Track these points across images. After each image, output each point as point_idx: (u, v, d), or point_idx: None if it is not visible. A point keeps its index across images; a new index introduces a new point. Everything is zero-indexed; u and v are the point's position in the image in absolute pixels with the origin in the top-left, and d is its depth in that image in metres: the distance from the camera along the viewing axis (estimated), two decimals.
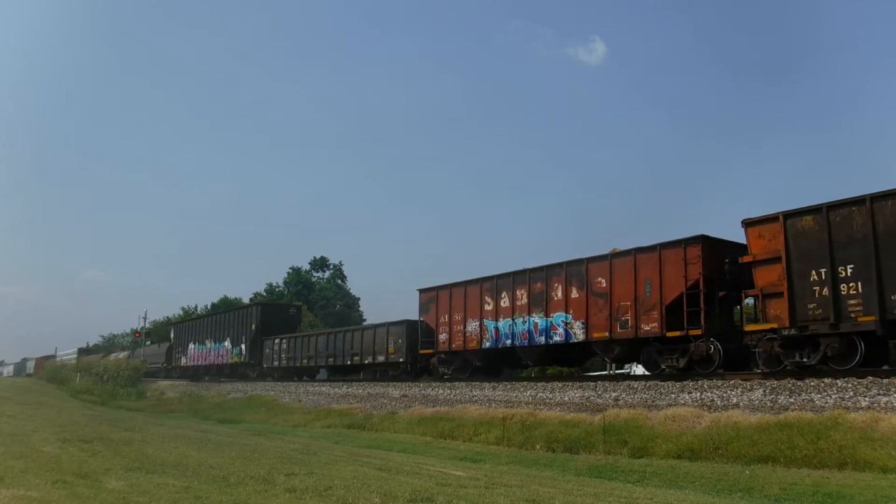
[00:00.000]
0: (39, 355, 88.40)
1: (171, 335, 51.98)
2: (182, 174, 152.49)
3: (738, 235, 15.75)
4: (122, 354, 59.82)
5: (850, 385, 12.43)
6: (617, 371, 22.89)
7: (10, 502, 5.76)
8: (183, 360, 47.28)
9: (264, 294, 65.50)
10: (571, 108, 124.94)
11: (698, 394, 14.32)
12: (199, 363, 44.67)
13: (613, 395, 15.97)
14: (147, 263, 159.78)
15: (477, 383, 21.12)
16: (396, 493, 7.03)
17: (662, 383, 15.69)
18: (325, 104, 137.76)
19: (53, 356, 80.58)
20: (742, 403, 13.25)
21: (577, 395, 16.82)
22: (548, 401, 17.07)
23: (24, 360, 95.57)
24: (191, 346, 46.21)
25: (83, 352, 73.16)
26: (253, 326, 37.26)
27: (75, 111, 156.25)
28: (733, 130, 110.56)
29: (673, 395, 14.72)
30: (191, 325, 48.98)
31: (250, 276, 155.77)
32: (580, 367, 23.46)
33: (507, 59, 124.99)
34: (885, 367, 13.51)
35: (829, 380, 12.95)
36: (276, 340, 35.03)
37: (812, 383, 13.02)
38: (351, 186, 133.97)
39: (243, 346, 38.25)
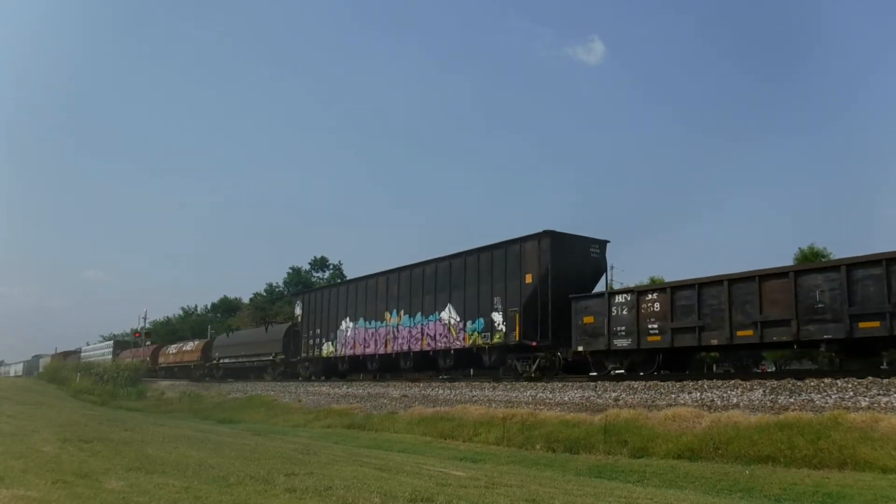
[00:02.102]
0: (57, 350, 76.55)
1: (297, 311, 33.52)
2: (183, 174, 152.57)
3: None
4: (192, 344, 47.30)
5: (850, 385, 12.43)
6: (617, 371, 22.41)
7: (10, 502, 5.75)
8: (327, 349, 29.90)
9: (264, 294, 65.36)
10: (571, 108, 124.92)
11: (698, 394, 14.32)
12: (369, 351, 27.07)
13: (613, 395, 15.96)
14: (147, 263, 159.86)
15: (477, 383, 21.12)
16: (396, 493, 7.03)
17: (662, 383, 15.68)
18: (325, 104, 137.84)
19: (76, 351, 70.64)
20: (742, 403, 13.24)
21: (577, 395, 16.82)
22: (548, 401, 17.07)
23: (37, 358, 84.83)
24: (345, 324, 28.83)
25: (120, 345, 60.34)
26: (528, 277, 20.07)
27: (76, 109, 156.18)
28: (734, 128, 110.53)
29: (673, 395, 14.72)
30: (343, 290, 30.15)
31: (250, 276, 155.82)
32: None
33: (507, 59, 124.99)
34: (885, 367, 13.49)
35: (829, 380, 12.96)
36: (622, 297, 17.71)
37: (812, 383, 13.02)
38: (351, 186, 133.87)
39: (498, 316, 21.06)
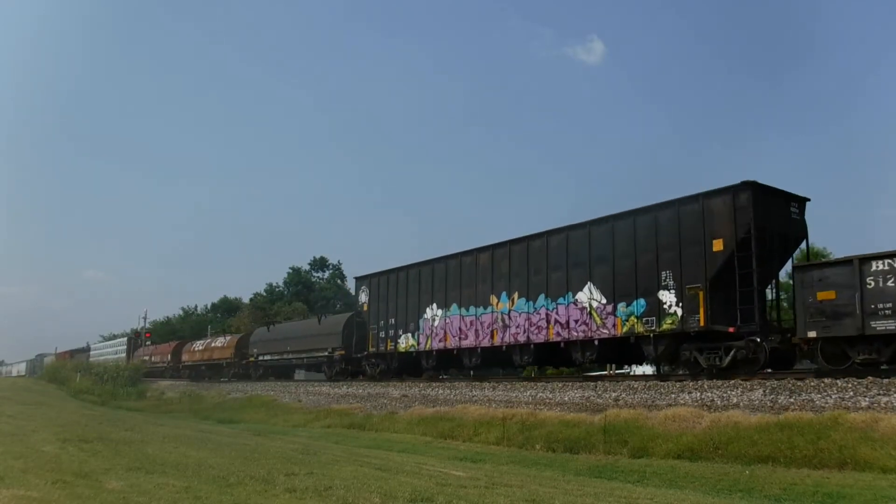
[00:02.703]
0: (57, 350, 74.03)
1: (363, 298, 28.48)
2: (183, 175, 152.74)
3: None
4: (223, 340, 42.08)
5: (850, 385, 12.43)
6: (617, 371, 22.25)
7: (10, 502, 5.75)
8: (405, 342, 25.32)
9: (264, 294, 65.44)
10: (571, 108, 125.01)
11: (698, 394, 14.32)
12: (466, 343, 22.45)
13: (613, 395, 15.96)
14: (147, 264, 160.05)
15: (477, 383, 21.13)
16: (396, 493, 7.03)
17: (662, 383, 15.69)
18: (324, 105, 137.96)
19: (84, 350, 68.08)
20: (742, 403, 13.25)
21: (577, 395, 16.83)
22: (548, 401, 17.08)
23: (41, 357, 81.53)
24: (430, 311, 24.19)
25: (134, 342, 56.58)
26: (716, 244, 15.66)
27: (76, 110, 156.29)
28: (733, 128, 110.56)
29: (673, 395, 14.72)
30: (426, 271, 24.86)
31: (250, 276, 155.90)
32: None
33: (506, 59, 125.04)
34: (885, 367, 13.47)
35: (829, 380, 12.96)
36: (884, 264, 13.38)
37: (812, 383, 13.03)
38: (350, 186, 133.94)
39: (669, 295, 16.50)
